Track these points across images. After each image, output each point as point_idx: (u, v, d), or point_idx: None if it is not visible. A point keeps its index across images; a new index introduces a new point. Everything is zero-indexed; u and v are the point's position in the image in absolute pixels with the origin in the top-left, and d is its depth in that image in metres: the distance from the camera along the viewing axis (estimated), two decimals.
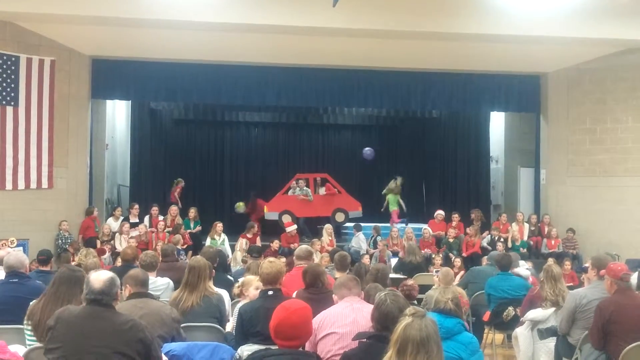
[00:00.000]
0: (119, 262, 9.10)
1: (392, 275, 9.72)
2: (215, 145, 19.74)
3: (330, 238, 12.98)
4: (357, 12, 10.96)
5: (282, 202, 15.25)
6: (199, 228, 13.55)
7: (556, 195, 14.34)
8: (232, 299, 6.05)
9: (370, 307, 3.96)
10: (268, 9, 10.95)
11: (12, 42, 11.83)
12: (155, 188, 16.52)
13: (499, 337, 8.16)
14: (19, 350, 4.63)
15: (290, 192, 15.38)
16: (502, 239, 13.17)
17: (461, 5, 11.06)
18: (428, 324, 3.00)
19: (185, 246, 12.31)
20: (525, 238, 13.74)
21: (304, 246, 7.16)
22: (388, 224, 14.94)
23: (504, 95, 14.63)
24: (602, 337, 5.20)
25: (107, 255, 11.46)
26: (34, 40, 12.11)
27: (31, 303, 4.81)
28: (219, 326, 5.21)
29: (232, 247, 12.62)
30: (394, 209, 15.45)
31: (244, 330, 4.66)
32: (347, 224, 15.33)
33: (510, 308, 7.23)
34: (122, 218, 13.20)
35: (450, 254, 12.66)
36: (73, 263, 8.06)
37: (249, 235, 12.94)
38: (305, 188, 15.28)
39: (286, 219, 14.64)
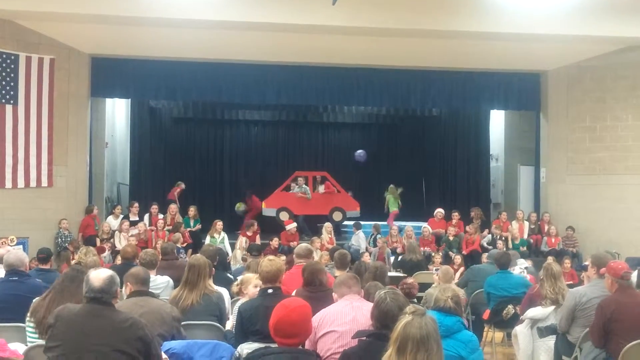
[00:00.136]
0: (118, 261, 9.10)
1: (392, 273, 9.75)
2: (215, 143, 19.73)
3: (330, 236, 12.97)
4: (356, 10, 10.95)
5: (280, 199, 15.26)
6: (198, 226, 13.54)
7: (556, 194, 14.34)
8: (231, 297, 6.05)
9: (370, 305, 3.95)
10: (268, 7, 10.94)
11: (11, 41, 11.81)
12: (155, 186, 16.52)
13: (498, 335, 8.16)
14: (19, 348, 4.64)
15: (290, 190, 15.40)
16: (502, 238, 13.18)
17: (461, 3, 11.05)
18: (428, 322, 3.00)
19: (185, 244, 12.32)
20: (525, 236, 13.75)
21: (304, 244, 7.17)
22: (386, 223, 14.95)
23: (503, 94, 14.63)
24: (603, 335, 5.20)
25: (106, 253, 11.47)
26: (33, 38, 12.10)
27: (34, 300, 4.82)
28: (218, 324, 5.20)
29: (232, 246, 12.62)
30: (393, 209, 15.45)
31: (243, 328, 4.66)
32: (347, 222, 15.32)
33: (510, 306, 7.23)
34: (121, 216, 13.20)
35: (450, 252, 12.67)
36: (73, 261, 8.08)
37: (248, 234, 12.94)
38: (304, 186, 15.29)
39: (284, 216, 14.65)
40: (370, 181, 19.14)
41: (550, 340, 6.12)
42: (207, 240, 12.43)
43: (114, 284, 3.79)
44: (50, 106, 12.35)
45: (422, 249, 12.40)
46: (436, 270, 9.53)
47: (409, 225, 13.95)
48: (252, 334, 4.58)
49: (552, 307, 6.20)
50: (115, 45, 12.77)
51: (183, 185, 15.35)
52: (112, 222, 13.00)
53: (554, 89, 14.35)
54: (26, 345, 4.62)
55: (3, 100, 11.74)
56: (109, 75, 13.44)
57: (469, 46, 12.58)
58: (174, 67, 13.51)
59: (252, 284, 5.52)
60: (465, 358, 3.92)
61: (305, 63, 13.74)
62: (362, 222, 14.28)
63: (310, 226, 15.26)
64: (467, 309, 7.79)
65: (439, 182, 18.73)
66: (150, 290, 4.96)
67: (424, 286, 7.55)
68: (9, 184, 11.83)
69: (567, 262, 11.04)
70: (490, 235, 13.40)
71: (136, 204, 13.58)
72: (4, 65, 11.69)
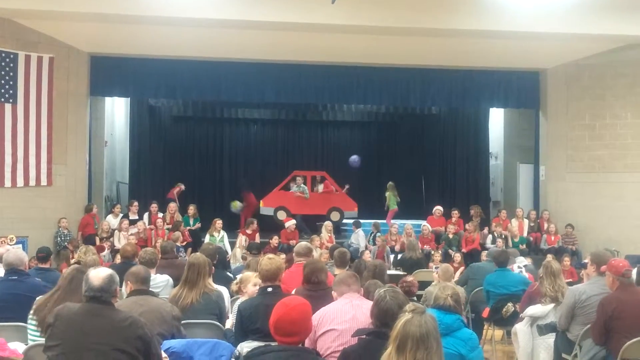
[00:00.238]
0: (118, 259, 9.11)
1: (392, 271, 9.75)
2: (214, 142, 19.73)
3: (329, 235, 12.98)
4: (356, 9, 10.95)
5: (278, 198, 15.25)
6: (198, 225, 13.54)
7: (555, 192, 14.35)
8: (231, 295, 6.05)
9: (370, 303, 3.95)
10: (267, 6, 10.94)
11: (10, 39, 11.80)
12: (155, 185, 16.52)
13: (498, 333, 8.16)
14: (19, 347, 4.64)
15: (289, 189, 15.39)
16: (502, 236, 13.18)
17: (460, 1, 11.05)
18: (428, 320, 3.00)
19: (184, 243, 12.31)
20: (525, 234, 13.76)
21: (303, 243, 7.18)
22: (385, 221, 14.96)
23: (503, 92, 14.63)
24: (604, 333, 5.21)
25: (106, 252, 11.47)
26: (32, 37, 12.09)
27: (38, 298, 4.81)
28: (218, 323, 5.21)
29: (232, 244, 12.63)
30: (392, 207, 15.45)
31: (243, 327, 4.66)
32: (347, 221, 15.31)
33: (510, 304, 7.22)
34: (121, 215, 13.20)
35: (450, 250, 12.68)
36: (72, 260, 8.07)
37: (248, 231, 12.92)
38: (302, 185, 15.27)
39: (281, 215, 14.64)
40: (370, 179, 19.15)
41: (550, 338, 6.12)
42: (207, 238, 12.43)
43: (113, 282, 3.79)
44: (50, 105, 12.34)
45: (421, 247, 12.40)
46: (436, 268, 9.53)
47: (408, 223, 13.96)
48: (251, 333, 4.58)
49: (552, 305, 6.20)
50: (114, 44, 12.76)
51: (183, 187, 15.30)
52: (112, 221, 13.00)
53: (553, 87, 14.35)
54: (26, 344, 4.62)
55: (2, 99, 11.72)
56: (108, 73, 13.43)
57: (468, 44, 12.57)
58: (174, 66, 13.50)
59: (251, 283, 5.52)
60: (465, 356, 3.92)
61: (305, 61, 13.74)
62: (361, 221, 14.28)
63: (310, 225, 15.25)
64: (466, 307, 7.79)
65: (438, 180, 18.73)
66: (150, 289, 4.96)
67: (424, 284, 7.55)
68: (8, 182, 11.82)
69: (567, 260, 11.03)
70: (491, 235, 13.37)
71: (136, 203, 13.57)
72: (3, 64, 11.68)
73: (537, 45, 12.68)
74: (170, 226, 12.87)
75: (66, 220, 12.30)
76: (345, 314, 4.18)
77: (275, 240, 12.53)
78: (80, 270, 4.78)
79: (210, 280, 5.58)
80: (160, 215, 13.19)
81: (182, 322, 4.72)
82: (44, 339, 4.28)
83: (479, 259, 11.20)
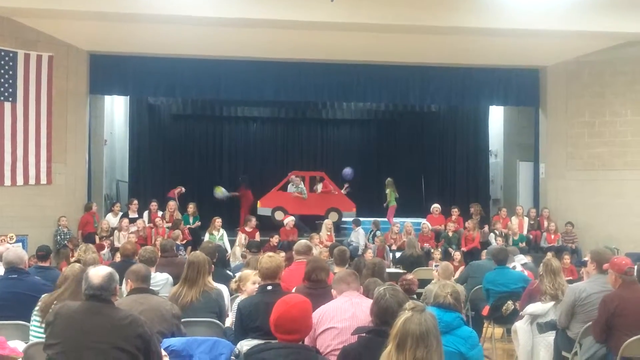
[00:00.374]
0: (117, 258, 9.10)
1: (392, 269, 9.74)
2: (213, 140, 19.72)
3: (329, 233, 12.97)
4: (355, 7, 10.95)
5: (276, 198, 15.21)
6: (198, 223, 13.54)
7: (555, 189, 14.34)
8: (230, 294, 6.04)
9: (370, 301, 3.95)
10: (266, 4, 10.93)
11: (10, 38, 11.79)
12: (154, 183, 16.52)
13: (498, 331, 8.15)
14: (19, 345, 4.64)
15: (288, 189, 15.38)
16: (502, 233, 13.18)
17: None
18: (427, 318, 3.00)
19: (184, 241, 12.32)
20: (525, 232, 13.75)
21: (303, 241, 7.18)
22: (386, 219, 14.95)
23: (502, 89, 14.62)
24: (605, 330, 5.21)
25: (105, 250, 11.47)
26: (31, 35, 12.08)
27: (43, 295, 4.81)
28: (218, 321, 5.21)
29: (231, 243, 12.62)
30: (392, 204, 15.44)
31: (243, 325, 4.65)
32: (347, 219, 15.30)
33: (510, 302, 7.22)
34: (121, 214, 13.20)
35: (450, 249, 12.67)
36: (72, 259, 8.07)
37: (247, 229, 12.91)
38: (300, 186, 15.24)
39: (279, 215, 14.61)
40: (369, 178, 19.14)
41: (550, 336, 6.11)
42: (207, 237, 12.41)
43: (113, 281, 3.79)
44: (49, 103, 12.33)
45: (421, 245, 12.40)
46: (436, 266, 9.53)
47: (408, 221, 13.95)
48: (251, 331, 4.57)
49: (552, 303, 6.19)
50: (113, 43, 12.75)
51: (183, 189, 15.19)
52: (111, 219, 13.00)
53: (553, 85, 14.34)
54: (26, 342, 4.62)
55: (2, 98, 11.72)
56: (107, 72, 13.43)
57: (467, 42, 12.57)
58: (173, 64, 13.49)
59: (250, 281, 5.53)
60: (464, 354, 3.92)
61: (304, 59, 13.72)
62: (361, 219, 14.26)
63: (309, 224, 15.21)
64: (466, 305, 7.79)
65: (438, 178, 18.71)
66: (150, 287, 4.95)
67: (424, 282, 7.55)
68: (7, 181, 11.82)
69: (567, 258, 11.04)
70: (492, 235, 13.36)
71: (135, 201, 13.56)
72: (2, 62, 11.68)
73: (536, 43, 12.67)
74: (170, 224, 12.87)
75: (66, 218, 12.30)
76: (344, 312, 4.18)
77: (275, 239, 12.51)
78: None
79: (210, 279, 5.58)
80: (160, 213, 13.19)
81: (182, 320, 4.72)
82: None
83: (479, 257, 11.19)
